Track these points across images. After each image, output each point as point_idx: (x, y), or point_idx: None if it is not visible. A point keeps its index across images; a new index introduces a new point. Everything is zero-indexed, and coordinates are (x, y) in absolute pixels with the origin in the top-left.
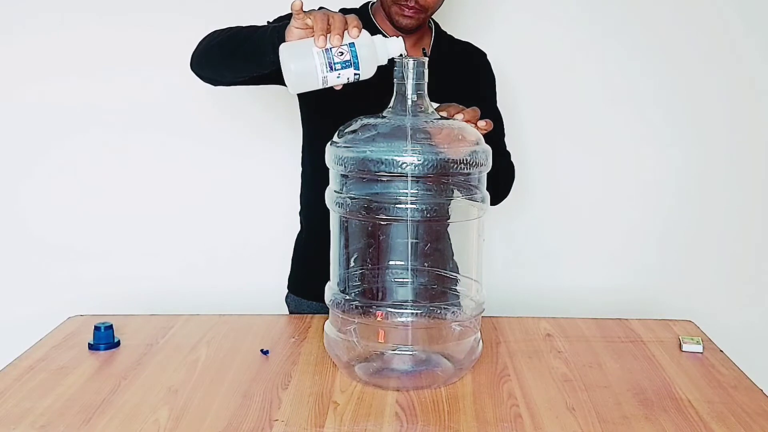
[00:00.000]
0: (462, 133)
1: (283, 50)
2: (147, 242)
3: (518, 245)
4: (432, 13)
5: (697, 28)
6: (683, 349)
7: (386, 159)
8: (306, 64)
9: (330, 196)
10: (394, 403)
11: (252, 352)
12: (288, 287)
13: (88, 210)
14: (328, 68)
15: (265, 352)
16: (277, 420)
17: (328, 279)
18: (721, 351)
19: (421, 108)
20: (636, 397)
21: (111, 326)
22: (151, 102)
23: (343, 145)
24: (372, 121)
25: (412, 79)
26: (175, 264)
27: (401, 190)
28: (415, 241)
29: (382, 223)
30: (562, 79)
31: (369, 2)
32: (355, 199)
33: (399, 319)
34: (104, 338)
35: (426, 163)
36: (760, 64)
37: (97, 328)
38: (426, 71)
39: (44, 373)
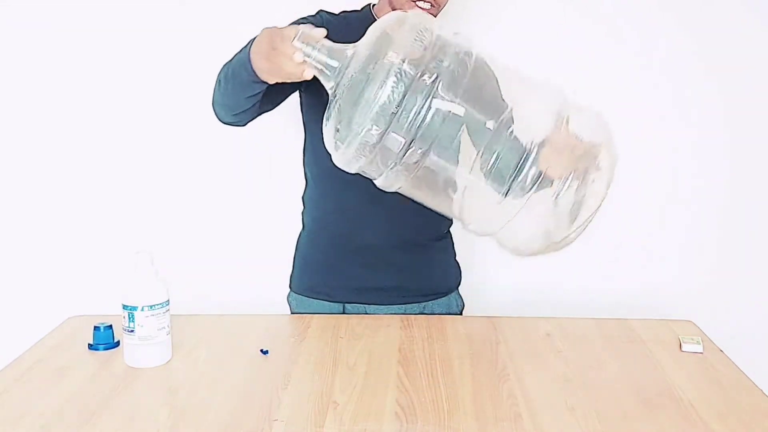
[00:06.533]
0: None
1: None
2: (148, 242)
3: None
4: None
5: (703, 25)
6: (683, 349)
7: None
8: None
9: None
10: (394, 403)
11: (252, 352)
12: (290, 286)
13: (87, 209)
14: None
15: (265, 352)
16: (277, 420)
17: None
18: (721, 351)
19: None
20: (636, 397)
21: (111, 326)
22: (151, 101)
23: None
24: None
25: None
26: (175, 264)
27: None
28: None
29: None
30: (564, 77)
31: (371, 4)
32: None
33: None
34: (104, 338)
35: None
36: (759, 66)
37: (96, 328)
38: None
39: (44, 373)
